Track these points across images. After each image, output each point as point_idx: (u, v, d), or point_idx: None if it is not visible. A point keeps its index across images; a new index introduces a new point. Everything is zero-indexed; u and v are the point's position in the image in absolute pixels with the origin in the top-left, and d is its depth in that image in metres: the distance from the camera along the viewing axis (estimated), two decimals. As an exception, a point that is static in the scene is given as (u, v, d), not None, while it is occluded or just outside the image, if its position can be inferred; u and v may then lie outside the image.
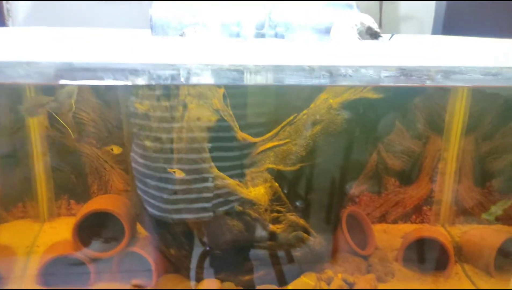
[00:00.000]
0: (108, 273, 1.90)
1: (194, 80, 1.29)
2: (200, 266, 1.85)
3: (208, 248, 1.84)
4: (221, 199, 1.70)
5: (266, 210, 1.77)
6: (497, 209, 2.36)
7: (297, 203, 1.88)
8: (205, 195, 1.69)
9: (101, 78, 1.20)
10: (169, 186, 1.69)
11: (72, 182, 2.15)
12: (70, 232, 1.81)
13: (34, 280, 1.82)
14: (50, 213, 2.19)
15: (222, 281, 1.81)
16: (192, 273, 1.84)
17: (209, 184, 1.68)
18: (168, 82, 1.30)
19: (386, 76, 1.37)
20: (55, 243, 1.94)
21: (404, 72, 1.36)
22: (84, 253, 1.85)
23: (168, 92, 1.65)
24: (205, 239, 1.80)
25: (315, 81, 1.33)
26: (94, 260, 1.87)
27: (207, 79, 1.29)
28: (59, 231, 2.13)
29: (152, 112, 1.67)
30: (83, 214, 1.82)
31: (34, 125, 2.02)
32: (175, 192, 1.69)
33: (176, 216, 1.75)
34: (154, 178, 1.72)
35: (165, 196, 1.70)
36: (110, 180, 2.18)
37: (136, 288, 1.86)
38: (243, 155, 1.82)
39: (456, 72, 1.40)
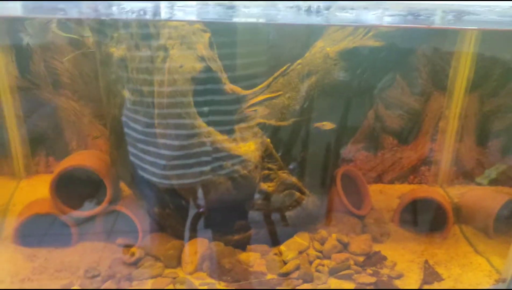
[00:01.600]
0: (91, 233, 1.82)
1: (178, 15, 1.14)
2: (187, 225, 1.75)
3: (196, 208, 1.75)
4: (208, 156, 1.57)
5: (256, 167, 1.66)
6: (490, 173, 2.27)
7: (291, 166, 1.77)
8: (193, 152, 1.56)
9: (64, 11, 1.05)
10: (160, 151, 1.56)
11: (49, 138, 2.01)
12: (48, 189, 1.69)
13: (11, 240, 1.72)
14: (27, 170, 2.07)
15: (210, 240, 1.72)
16: (179, 232, 1.75)
17: (195, 140, 1.54)
18: (147, 17, 1.15)
19: (391, 15, 1.23)
20: (33, 202, 1.83)
21: (412, 10, 1.22)
22: (64, 212, 1.74)
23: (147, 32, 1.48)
24: (190, 198, 1.69)
25: (311, 20, 1.18)
26: (75, 219, 1.77)
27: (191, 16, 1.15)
28: (37, 189, 2.01)
29: (129, 58, 1.51)
30: (60, 170, 1.69)
31: (2, 75, 1.85)
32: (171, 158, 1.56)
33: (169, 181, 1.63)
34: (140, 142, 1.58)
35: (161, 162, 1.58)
36: (89, 135, 2.04)
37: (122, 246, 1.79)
38: (232, 109, 1.68)
39: (470, 13, 1.25)
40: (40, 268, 1.63)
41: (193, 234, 1.75)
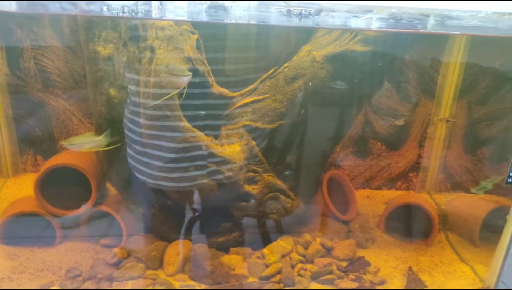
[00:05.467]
0: (75, 233, 1.80)
1: (169, 16, 1.15)
2: (171, 227, 1.75)
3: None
4: (192, 156, 1.57)
5: (241, 169, 1.65)
6: (486, 185, 2.27)
7: (286, 173, 1.76)
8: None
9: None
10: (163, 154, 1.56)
11: (38, 136, 2.01)
12: (33, 188, 1.69)
13: (-6, 238, 1.72)
14: (15, 169, 2.06)
15: (194, 242, 1.71)
16: (164, 234, 1.74)
17: (181, 142, 1.54)
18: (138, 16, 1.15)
19: (376, 19, 1.24)
20: (18, 200, 1.82)
21: (394, 14, 1.23)
22: (49, 211, 1.73)
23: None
24: (175, 198, 1.68)
25: (299, 22, 1.19)
26: (60, 219, 1.76)
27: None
28: (23, 188, 2.01)
29: (116, 56, 1.52)
30: (46, 168, 1.69)
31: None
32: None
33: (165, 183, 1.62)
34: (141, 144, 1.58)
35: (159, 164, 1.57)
36: (79, 134, 2.04)
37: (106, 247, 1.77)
38: (219, 111, 1.69)
39: (453, 18, 1.26)
40: (20, 267, 1.62)
41: (178, 236, 1.74)
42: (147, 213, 1.75)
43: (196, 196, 1.64)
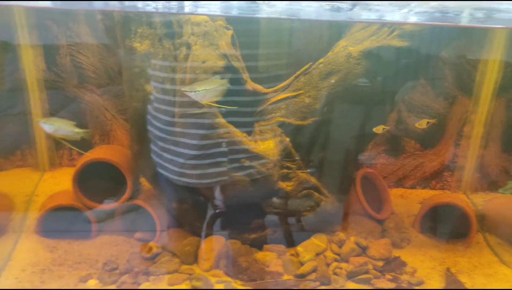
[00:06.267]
0: (110, 226, 1.84)
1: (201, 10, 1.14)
2: (204, 222, 1.75)
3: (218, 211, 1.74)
4: (226, 154, 1.57)
5: (275, 165, 1.64)
6: (514, 184, 2.19)
7: (309, 170, 1.74)
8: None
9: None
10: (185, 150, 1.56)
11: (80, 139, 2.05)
12: (70, 182, 1.72)
13: (33, 230, 1.76)
14: (51, 163, 2.11)
15: (227, 238, 1.72)
16: (196, 229, 1.75)
17: (215, 139, 1.54)
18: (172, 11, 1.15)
19: (417, 12, 1.20)
20: (55, 194, 1.86)
21: (439, 8, 1.19)
22: (85, 204, 1.77)
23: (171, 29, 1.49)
24: (208, 195, 1.69)
25: (336, 16, 1.17)
26: (96, 212, 1.80)
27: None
28: (60, 181, 2.05)
29: (153, 53, 1.53)
30: (83, 162, 1.72)
31: (30, 69, 1.90)
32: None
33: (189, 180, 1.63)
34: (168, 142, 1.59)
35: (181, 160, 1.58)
36: (112, 130, 2.07)
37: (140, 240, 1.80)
38: (253, 107, 1.68)
39: (501, 11, 1.21)
40: (59, 259, 1.66)
41: (210, 231, 1.75)
42: (180, 208, 1.76)
43: (230, 192, 1.64)
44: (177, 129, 1.52)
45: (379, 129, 1.71)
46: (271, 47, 1.72)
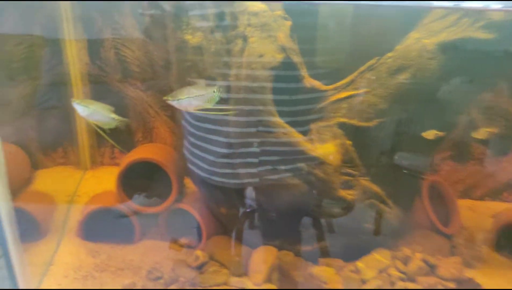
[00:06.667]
0: (153, 230, 1.74)
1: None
2: (254, 230, 1.62)
3: (248, 209, 1.61)
4: (283, 156, 1.42)
5: (335, 171, 1.48)
6: None
7: (382, 177, 1.57)
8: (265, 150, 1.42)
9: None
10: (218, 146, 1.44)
11: (115, 128, 1.95)
12: (114, 182, 1.63)
13: (75, 233, 1.68)
14: (93, 161, 2.03)
15: (278, 249, 1.57)
16: (245, 237, 1.62)
17: (271, 139, 1.40)
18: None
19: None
20: (97, 195, 1.78)
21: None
22: (128, 207, 1.67)
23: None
24: (260, 199, 1.55)
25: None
26: (139, 215, 1.70)
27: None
28: (101, 181, 1.97)
29: (206, 45, 1.40)
30: (128, 162, 1.62)
31: (74, 62, 1.82)
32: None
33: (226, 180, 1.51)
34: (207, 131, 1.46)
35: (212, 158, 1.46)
36: (155, 128, 1.97)
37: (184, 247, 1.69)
38: (311, 106, 1.52)
39: None
40: (102, 265, 1.57)
41: (261, 241, 1.61)
42: (229, 214, 1.64)
43: (284, 198, 1.49)
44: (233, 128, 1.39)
45: (430, 135, 1.51)
46: (331, 39, 1.55)
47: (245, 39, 1.37)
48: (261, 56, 1.35)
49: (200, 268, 1.56)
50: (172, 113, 1.91)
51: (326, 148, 1.49)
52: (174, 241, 1.72)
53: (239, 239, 1.65)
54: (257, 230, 1.66)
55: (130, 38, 1.80)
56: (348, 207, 1.53)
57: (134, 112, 1.94)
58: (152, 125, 1.96)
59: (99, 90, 1.89)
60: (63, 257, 1.59)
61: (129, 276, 1.54)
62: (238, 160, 1.44)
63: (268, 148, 1.43)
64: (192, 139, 1.50)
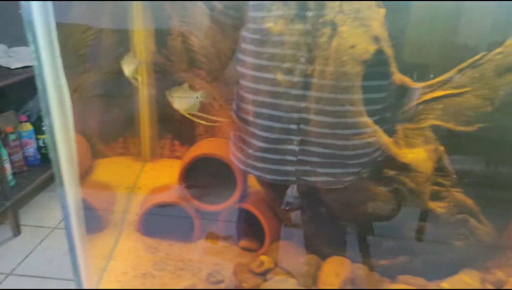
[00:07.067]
0: (213, 229, 1.65)
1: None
2: (323, 239, 1.48)
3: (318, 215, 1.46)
4: (366, 157, 1.27)
5: (427, 180, 1.31)
6: None
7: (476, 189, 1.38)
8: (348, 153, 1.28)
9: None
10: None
11: (177, 120, 1.87)
12: (176, 177, 1.54)
13: (134, 227, 1.62)
14: (153, 153, 1.97)
15: (353, 261, 1.43)
16: (314, 245, 1.49)
17: (356, 140, 1.25)
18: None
19: None
20: (157, 187, 1.71)
21: None
22: (190, 204, 1.59)
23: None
24: (335, 206, 1.41)
25: None
26: (200, 212, 1.61)
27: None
28: (161, 174, 1.90)
29: (288, 33, 1.26)
30: (192, 157, 1.53)
31: (141, 51, 1.75)
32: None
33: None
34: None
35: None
36: (218, 121, 1.87)
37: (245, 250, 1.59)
38: (398, 104, 1.36)
39: None
40: (161, 264, 1.49)
41: (332, 251, 1.47)
42: (297, 220, 1.51)
43: (365, 206, 1.34)
44: (314, 129, 1.25)
45: None
46: (427, 29, 1.38)
47: (334, 27, 1.23)
48: (352, 47, 1.20)
49: (264, 274, 1.45)
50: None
51: (417, 153, 1.32)
52: (235, 243, 1.63)
53: (307, 246, 1.52)
54: (327, 238, 1.52)
55: (199, 26, 1.71)
56: (438, 221, 1.36)
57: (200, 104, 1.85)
58: (214, 116, 1.86)
59: (163, 80, 1.81)
60: (123, 252, 1.52)
61: (188, 277, 1.46)
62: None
63: (351, 152, 1.28)
64: (235, 129, 1.41)
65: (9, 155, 2.15)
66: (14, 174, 2.16)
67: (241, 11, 1.39)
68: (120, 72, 1.79)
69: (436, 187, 1.35)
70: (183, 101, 1.34)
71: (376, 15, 1.27)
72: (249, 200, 1.62)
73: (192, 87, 1.44)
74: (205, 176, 1.70)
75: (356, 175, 1.30)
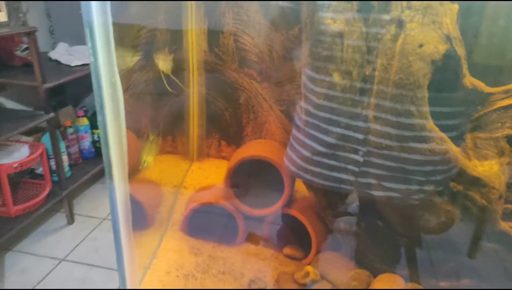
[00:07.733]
0: (257, 233, 1.59)
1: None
2: (376, 253, 1.38)
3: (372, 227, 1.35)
4: (439, 174, 1.15)
5: (500, 197, 1.17)
6: None
7: None
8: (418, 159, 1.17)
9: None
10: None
11: (226, 120, 1.85)
12: (222, 178, 1.51)
13: (179, 227, 1.60)
14: (199, 152, 1.95)
15: (406, 280, 1.31)
16: (365, 259, 1.38)
17: (422, 147, 1.14)
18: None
19: None
20: (203, 188, 1.69)
21: None
22: (236, 206, 1.54)
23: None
24: (393, 220, 1.30)
25: None
26: (244, 215, 1.56)
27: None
28: (208, 174, 1.88)
29: (348, 31, 1.18)
30: (240, 159, 1.48)
31: (193, 49, 1.74)
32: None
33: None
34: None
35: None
36: (266, 123, 1.81)
37: (289, 257, 1.52)
38: (469, 110, 1.23)
39: None
40: (203, 266, 1.46)
41: (384, 267, 1.36)
42: (349, 231, 1.42)
43: (427, 223, 1.22)
44: (372, 131, 1.16)
45: None
46: (502, 27, 1.24)
47: (401, 24, 1.13)
48: (420, 46, 1.10)
49: (309, 286, 1.37)
50: (287, 108, 1.73)
51: (489, 166, 1.19)
52: (278, 249, 1.56)
53: (357, 260, 1.42)
54: (381, 252, 1.41)
55: (252, 24, 1.66)
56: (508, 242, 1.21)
57: (247, 105, 1.81)
58: (264, 120, 1.81)
59: (213, 79, 1.78)
60: (166, 252, 1.51)
61: (230, 282, 1.41)
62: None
63: (406, 155, 1.17)
64: (294, 131, 1.32)
65: (67, 147, 2.23)
66: (70, 165, 2.24)
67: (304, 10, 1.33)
68: (173, 70, 1.80)
69: (509, 206, 1.21)
70: (165, 62, 1.58)
71: (448, 11, 1.16)
72: (295, 205, 1.55)
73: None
74: (251, 177, 1.65)
75: (426, 193, 1.19)
